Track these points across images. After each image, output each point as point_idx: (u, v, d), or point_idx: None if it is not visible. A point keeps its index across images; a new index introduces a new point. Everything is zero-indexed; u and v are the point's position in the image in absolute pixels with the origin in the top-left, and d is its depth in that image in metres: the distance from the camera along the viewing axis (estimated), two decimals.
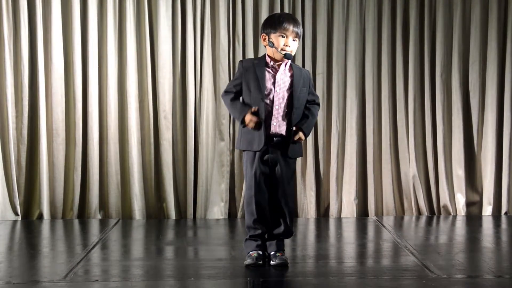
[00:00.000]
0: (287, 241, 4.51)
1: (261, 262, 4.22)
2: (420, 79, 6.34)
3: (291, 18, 4.21)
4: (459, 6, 6.31)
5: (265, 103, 4.17)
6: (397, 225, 5.85)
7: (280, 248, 4.29)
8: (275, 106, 4.17)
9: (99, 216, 6.15)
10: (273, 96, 4.18)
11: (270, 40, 4.19)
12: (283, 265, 4.21)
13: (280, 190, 4.24)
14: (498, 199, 6.34)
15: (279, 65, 4.22)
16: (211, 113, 6.23)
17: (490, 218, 6.17)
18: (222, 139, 6.23)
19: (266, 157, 4.19)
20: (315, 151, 6.30)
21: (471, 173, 6.39)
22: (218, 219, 6.16)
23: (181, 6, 6.21)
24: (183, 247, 4.98)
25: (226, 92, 4.26)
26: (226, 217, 6.23)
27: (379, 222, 5.93)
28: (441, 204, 6.31)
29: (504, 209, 6.30)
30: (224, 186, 6.23)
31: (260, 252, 4.24)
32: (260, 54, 6.01)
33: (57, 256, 4.63)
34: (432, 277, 3.98)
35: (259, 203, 4.20)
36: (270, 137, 4.18)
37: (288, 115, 4.19)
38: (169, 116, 6.20)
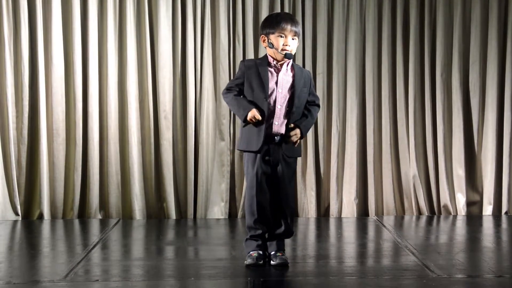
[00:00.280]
0: (288, 241, 4.51)
1: (262, 262, 4.22)
2: (420, 79, 6.33)
3: (288, 18, 4.21)
4: (459, 6, 6.30)
5: (268, 102, 4.17)
6: (397, 225, 5.85)
7: (281, 248, 4.29)
8: (278, 106, 4.18)
9: (99, 216, 6.15)
10: (276, 95, 4.18)
11: (269, 41, 4.19)
12: (284, 265, 4.20)
13: (281, 190, 4.24)
14: (498, 199, 6.33)
15: (281, 65, 4.22)
16: (211, 113, 6.23)
17: (491, 218, 6.17)
18: (222, 139, 6.23)
19: (267, 157, 4.18)
20: (316, 151, 6.30)
21: (471, 172, 6.39)
22: (218, 219, 6.16)
23: (181, 6, 6.21)
24: (184, 247, 4.98)
25: (228, 89, 4.23)
26: (227, 217, 6.23)
27: (380, 222, 5.93)
28: (442, 203, 6.31)
29: (504, 208, 6.30)
30: (225, 186, 6.23)
31: (261, 252, 4.24)
32: (261, 54, 6.02)
33: (57, 256, 4.63)
34: (432, 276, 3.98)
35: (260, 203, 4.20)
36: (271, 136, 4.18)
37: (288, 114, 4.20)
38: (170, 116, 6.20)
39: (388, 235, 5.38)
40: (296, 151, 4.27)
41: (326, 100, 6.30)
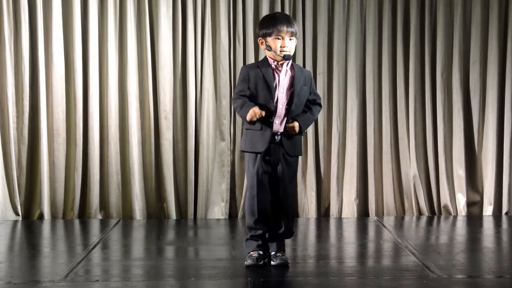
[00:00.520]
0: (288, 241, 4.51)
1: (262, 262, 4.22)
2: (421, 79, 6.33)
3: (284, 19, 4.21)
4: (459, 6, 6.30)
5: (274, 103, 4.17)
6: (397, 225, 5.85)
7: (281, 248, 4.29)
8: (279, 106, 4.18)
9: (99, 216, 6.15)
10: (277, 96, 4.18)
11: (267, 43, 4.20)
12: (284, 265, 4.20)
13: (282, 190, 4.24)
14: (498, 199, 6.33)
15: (281, 65, 4.23)
16: (211, 113, 6.23)
17: (491, 218, 6.17)
18: (222, 139, 6.23)
19: (268, 156, 4.18)
20: (316, 151, 6.30)
21: (471, 173, 6.38)
22: (218, 219, 6.16)
23: (181, 6, 6.21)
24: (184, 247, 4.98)
25: (239, 96, 4.19)
26: (227, 217, 6.23)
27: (380, 222, 5.93)
28: (442, 204, 6.31)
29: (504, 209, 6.30)
30: (225, 186, 6.23)
31: (261, 252, 4.24)
32: (261, 54, 6.02)
33: (57, 256, 4.63)
34: (432, 277, 3.98)
35: (261, 203, 4.20)
36: (272, 135, 4.19)
37: (288, 112, 4.20)
38: (170, 116, 6.20)
39: (388, 235, 5.38)
40: (296, 149, 4.27)
41: (327, 100, 6.30)
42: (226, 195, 6.23)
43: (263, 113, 4.09)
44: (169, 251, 4.87)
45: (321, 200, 6.33)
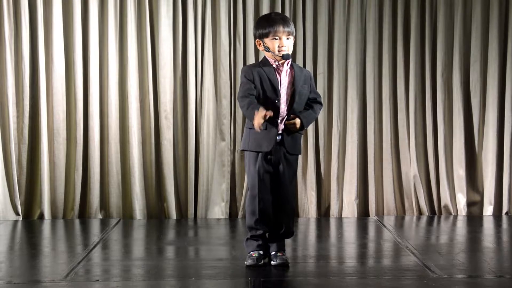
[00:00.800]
0: (288, 241, 4.51)
1: (262, 262, 4.22)
2: (421, 79, 6.33)
3: (279, 19, 4.21)
4: (460, 6, 6.30)
5: (278, 103, 4.17)
6: (398, 225, 5.85)
7: (281, 248, 4.29)
8: (282, 106, 4.18)
9: (100, 216, 6.15)
10: (280, 96, 4.18)
11: (265, 45, 4.20)
12: (284, 265, 4.20)
13: (282, 190, 4.24)
14: (499, 199, 6.33)
15: (282, 65, 4.23)
16: (212, 113, 6.23)
17: (491, 218, 6.17)
18: (223, 139, 6.23)
19: (269, 156, 4.18)
20: (316, 150, 6.30)
21: (472, 173, 6.38)
22: (219, 219, 6.16)
23: (182, 6, 6.21)
24: (184, 247, 4.98)
25: (247, 94, 4.15)
26: (227, 217, 6.23)
27: (380, 222, 5.93)
28: (442, 204, 6.31)
29: (505, 209, 6.30)
30: (225, 186, 6.24)
31: (261, 252, 4.24)
32: (261, 54, 6.00)
33: (58, 256, 4.63)
34: (433, 277, 3.98)
35: (262, 203, 4.19)
36: (276, 135, 4.19)
37: (289, 112, 4.20)
38: (170, 116, 6.20)
39: (388, 235, 5.38)
40: (296, 148, 4.27)
41: (327, 100, 6.29)
42: (226, 195, 6.23)
43: (271, 114, 4.06)
44: (170, 251, 4.87)
45: (321, 200, 6.33)
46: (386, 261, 4.56)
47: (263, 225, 4.24)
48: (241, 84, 4.23)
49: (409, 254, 4.61)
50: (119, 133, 6.19)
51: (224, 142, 6.23)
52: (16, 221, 6.00)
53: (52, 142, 6.13)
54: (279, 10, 6.17)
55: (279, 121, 4.18)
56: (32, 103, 6.13)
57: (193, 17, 6.21)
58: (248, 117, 4.14)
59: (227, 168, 6.24)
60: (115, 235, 5.41)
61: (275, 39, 4.18)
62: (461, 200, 6.30)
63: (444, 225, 5.97)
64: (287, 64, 4.23)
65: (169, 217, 6.20)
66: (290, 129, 4.19)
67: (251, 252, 4.25)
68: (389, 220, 6.01)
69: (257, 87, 4.16)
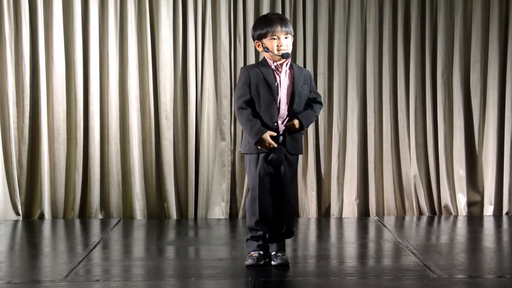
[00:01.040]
0: (288, 241, 4.51)
1: (262, 262, 4.22)
2: (421, 79, 6.33)
3: (277, 19, 4.21)
4: (460, 6, 6.30)
5: (276, 105, 4.17)
6: (398, 225, 5.85)
7: (281, 248, 4.29)
8: (282, 107, 4.18)
9: (100, 216, 6.15)
10: (279, 96, 4.18)
11: (264, 45, 4.20)
12: (284, 265, 4.20)
13: (283, 190, 4.24)
14: (499, 199, 6.33)
15: (281, 66, 4.23)
16: (212, 113, 6.23)
17: (491, 218, 6.17)
18: (223, 139, 6.23)
19: (270, 157, 4.18)
20: (316, 151, 6.30)
21: (472, 173, 6.38)
22: (219, 219, 6.16)
23: (182, 6, 6.21)
24: (184, 247, 4.98)
25: (241, 108, 4.17)
26: (227, 217, 6.23)
27: (380, 222, 5.93)
28: (442, 204, 6.31)
29: (505, 209, 6.30)
30: (225, 186, 6.23)
31: (261, 252, 4.24)
32: (261, 54, 6.01)
33: (58, 256, 4.63)
34: (433, 277, 3.98)
35: (263, 204, 4.19)
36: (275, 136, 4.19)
37: (289, 112, 4.20)
38: (170, 116, 6.20)
39: (388, 235, 5.38)
40: (298, 148, 4.27)
41: (327, 101, 6.29)
42: (226, 195, 6.23)
43: (275, 145, 4.11)
44: (170, 251, 4.87)
45: (322, 200, 6.33)
46: (387, 261, 4.56)
47: (263, 226, 4.24)
48: (236, 88, 4.24)
49: (410, 254, 4.61)
50: (120, 133, 6.19)
51: (224, 142, 6.23)
52: (16, 221, 6.00)
53: (53, 142, 6.13)
54: (279, 10, 6.17)
55: (280, 122, 4.18)
56: (33, 103, 6.13)
57: (193, 17, 6.21)
58: (248, 134, 4.16)
59: (228, 168, 6.24)
60: (115, 235, 5.41)
61: (274, 38, 4.18)
62: (462, 200, 6.30)
63: (445, 225, 5.96)
64: (287, 65, 4.23)
65: (169, 217, 6.20)
66: (290, 129, 4.20)
67: (251, 252, 4.25)
68: (390, 220, 6.01)
69: (253, 89, 4.17)
